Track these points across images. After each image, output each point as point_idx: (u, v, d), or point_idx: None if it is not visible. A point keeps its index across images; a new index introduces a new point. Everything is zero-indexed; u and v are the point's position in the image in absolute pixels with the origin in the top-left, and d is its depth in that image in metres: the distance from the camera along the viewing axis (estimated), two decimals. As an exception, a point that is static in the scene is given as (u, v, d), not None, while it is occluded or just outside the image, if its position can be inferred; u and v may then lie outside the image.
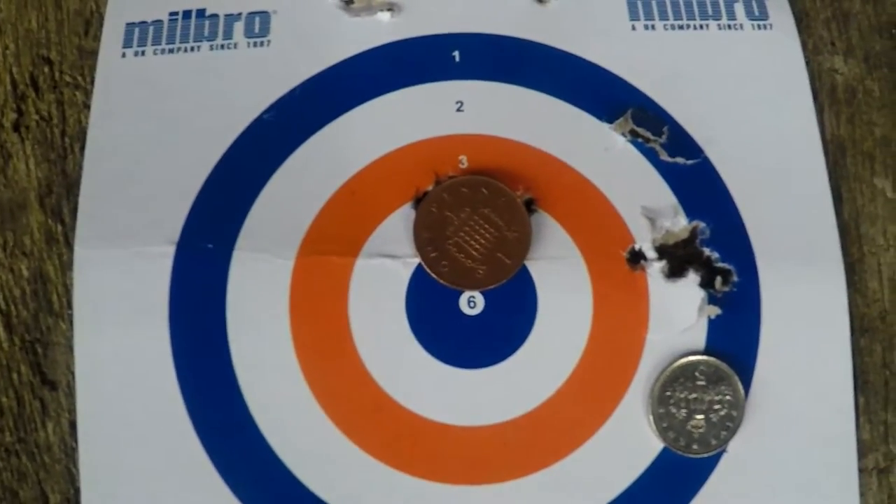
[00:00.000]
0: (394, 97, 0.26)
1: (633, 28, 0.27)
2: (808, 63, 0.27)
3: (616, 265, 0.25)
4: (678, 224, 0.25)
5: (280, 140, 0.25)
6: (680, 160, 0.26)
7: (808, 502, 0.24)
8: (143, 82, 0.26)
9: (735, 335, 0.25)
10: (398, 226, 0.25)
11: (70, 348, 0.25)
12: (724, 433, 0.24)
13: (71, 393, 0.25)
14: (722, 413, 0.24)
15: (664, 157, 0.26)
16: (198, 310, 0.24)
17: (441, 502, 0.24)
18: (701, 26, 0.27)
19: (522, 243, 0.24)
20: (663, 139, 0.26)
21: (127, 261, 0.25)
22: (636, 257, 0.25)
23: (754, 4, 0.27)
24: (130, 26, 0.27)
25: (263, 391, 0.24)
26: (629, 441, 0.24)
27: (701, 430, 0.24)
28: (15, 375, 0.25)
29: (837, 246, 0.25)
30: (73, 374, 0.25)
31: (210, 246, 0.25)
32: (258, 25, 0.26)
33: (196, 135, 0.25)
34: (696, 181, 0.25)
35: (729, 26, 0.27)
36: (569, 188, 0.25)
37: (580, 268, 0.25)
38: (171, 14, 0.27)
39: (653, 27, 0.27)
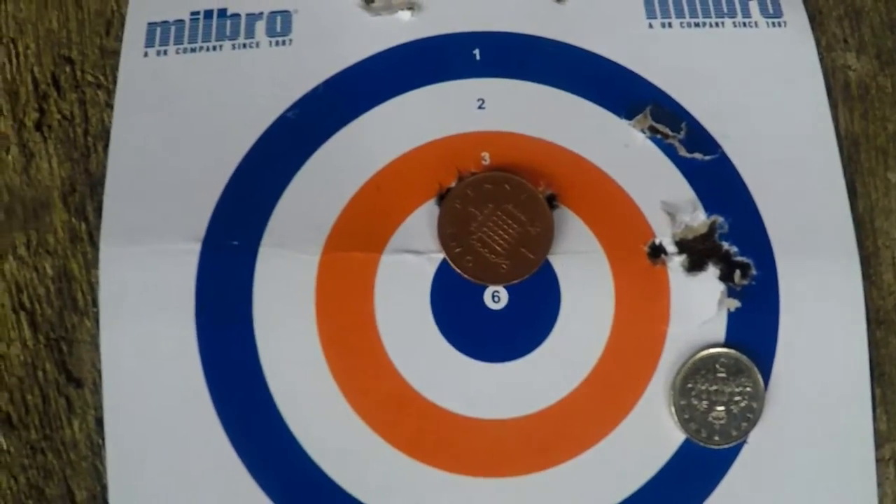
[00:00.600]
0: (416, 95, 0.26)
1: (650, 26, 0.27)
2: (821, 60, 0.28)
3: (637, 259, 0.25)
4: (697, 219, 0.26)
5: (303, 138, 0.26)
6: (698, 156, 0.26)
7: (826, 492, 0.25)
8: (166, 81, 0.27)
9: (754, 328, 0.25)
10: (422, 222, 0.25)
11: (95, 346, 0.26)
12: (744, 424, 0.25)
13: (96, 390, 0.25)
14: (742, 404, 0.25)
15: (682, 152, 0.26)
16: (224, 306, 0.25)
17: (465, 494, 0.24)
18: (716, 24, 0.27)
19: (545, 238, 0.25)
20: (681, 135, 0.26)
21: (152, 258, 0.25)
22: (657, 251, 0.26)
23: (769, 2, 0.28)
24: (152, 26, 0.27)
25: (290, 386, 0.25)
26: (652, 432, 0.25)
27: (722, 422, 0.25)
28: (40, 373, 0.26)
29: (853, 239, 0.26)
30: (98, 371, 0.25)
31: (235, 243, 0.25)
32: (280, 24, 0.27)
33: (220, 133, 0.26)
34: (713, 176, 0.26)
35: (744, 24, 0.27)
36: (590, 184, 0.26)
37: (602, 262, 0.25)
38: (193, 14, 0.27)
39: (669, 25, 0.27)
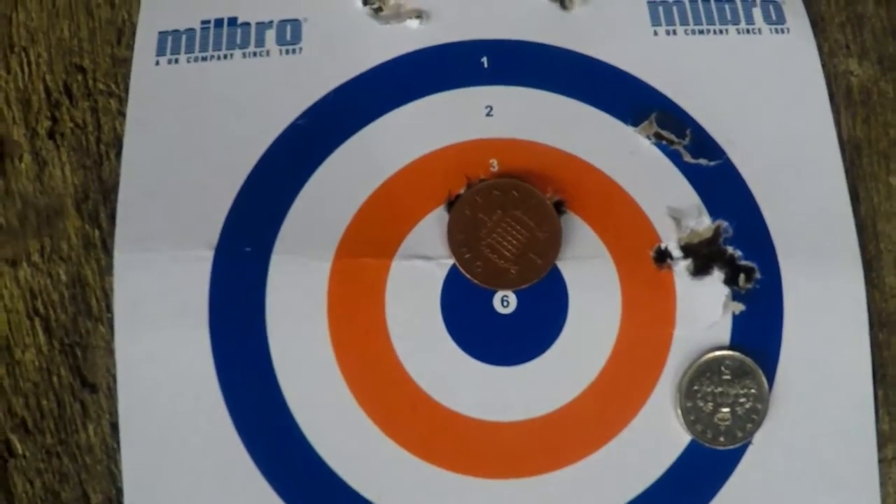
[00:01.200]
0: (424, 103, 0.27)
1: (655, 33, 0.28)
2: (824, 66, 0.29)
3: (643, 264, 0.26)
4: (702, 224, 0.27)
5: (314, 145, 0.27)
6: (703, 161, 0.27)
7: (829, 492, 0.26)
8: (177, 89, 0.27)
9: (759, 330, 0.26)
10: (432, 228, 0.26)
11: (110, 351, 0.26)
12: (749, 425, 0.26)
13: (111, 395, 0.26)
14: (747, 406, 0.26)
15: (687, 158, 0.27)
16: (237, 312, 0.25)
17: (475, 496, 0.25)
18: (721, 31, 0.28)
19: (553, 244, 0.26)
20: (686, 141, 0.27)
21: (166, 265, 0.26)
22: (662, 256, 0.26)
23: (772, 10, 0.28)
24: (163, 34, 0.28)
25: (303, 390, 0.25)
26: (658, 434, 0.25)
27: (727, 423, 0.26)
28: (55, 378, 0.27)
29: (856, 243, 0.27)
30: (113, 376, 0.26)
31: (248, 249, 0.26)
32: (290, 33, 0.28)
33: (231, 141, 0.27)
34: (718, 182, 0.27)
35: (748, 31, 0.28)
36: (596, 190, 0.26)
37: (609, 267, 0.26)
38: (203, 22, 0.28)
39: (674, 32, 0.28)
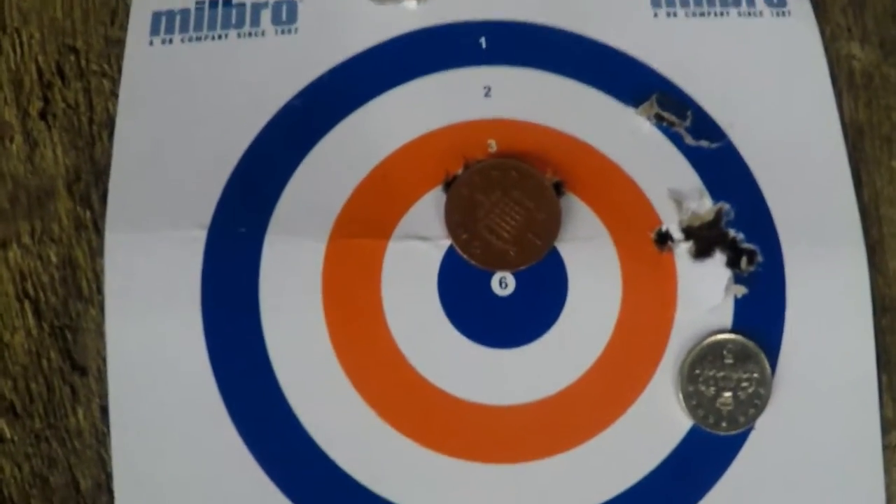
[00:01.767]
0: (422, 83, 0.27)
1: (656, 15, 0.28)
2: (826, 49, 0.28)
3: (644, 246, 0.26)
4: (704, 206, 0.26)
5: (309, 125, 0.26)
6: (704, 143, 0.27)
7: (833, 478, 0.25)
8: (171, 70, 0.27)
9: (761, 314, 0.26)
10: (429, 209, 0.26)
11: (100, 334, 0.26)
12: (751, 410, 0.25)
13: (101, 378, 0.26)
14: (749, 391, 0.25)
15: (688, 140, 0.27)
16: (230, 293, 0.25)
17: (473, 480, 0.25)
18: (721, 13, 0.28)
19: (552, 225, 0.25)
20: (687, 123, 0.27)
21: (158, 245, 0.26)
22: (663, 238, 0.26)
23: (773, -9, 0.28)
24: (157, 15, 0.28)
25: (297, 373, 0.25)
26: (659, 419, 0.25)
27: (729, 408, 0.25)
28: (45, 362, 0.26)
29: (859, 227, 0.27)
30: (103, 359, 0.26)
31: (242, 230, 0.26)
32: (285, 13, 0.28)
33: (226, 121, 0.26)
34: (720, 164, 0.27)
35: (749, 13, 0.28)
36: (596, 171, 0.26)
37: (609, 249, 0.26)
38: (198, 2, 0.28)
39: (675, 14, 0.28)
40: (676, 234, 0.26)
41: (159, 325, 0.25)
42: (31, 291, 0.27)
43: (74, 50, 0.28)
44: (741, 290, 0.26)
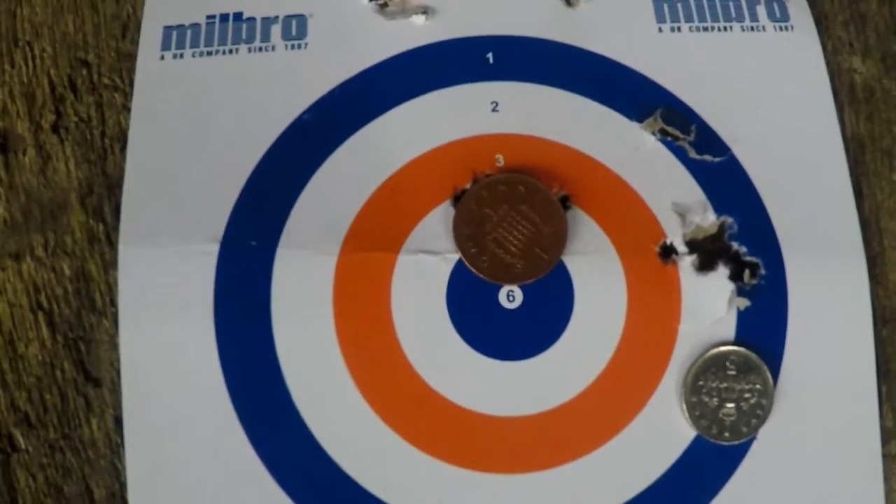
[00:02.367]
0: (430, 98, 0.27)
1: (660, 30, 0.29)
2: (827, 63, 0.29)
3: (648, 259, 0.27)
4: (707, 219, 0.27)
5: (320, 140, 0.27)
6: (707, 158, 0.27)
7: (833, 487, 0.26)
8: (183, 84, 0.28)
9: (763, 326, 0.26)
10: (438, 222, 0.26)
11: (114, 345, 0.27)
12: (754, 421, 0.26)
13: (115, 389, 0.26)
14: (752, 401, 0.26)
15: (692, 154, 0.27)
16: (242, 306, 0.26)
17: (481, 490, 0.26)
18: (725, 28, 0.29)
19: (559, 239, 0.26)
20: (691, 137, 0.28)
21: (171, 259, 0.26)
22: (667, 252, 0.27)
23: (776, 7, 0.29)
24: (168, 29, 0.28)
25: (308, 385, 0.26)
26: (663, 429, 0.26)
27: (732, 418, 0.26)
28: (58, 373, 0.27)
29: (860, 240, 0.27)
30: (116, 370, 0.26)
31: (254, 243, 0.26)
32: (295, 28, 0.28)
33: (237, 135, 0.27)
34: (723, 178, 0.27)
35: (752, 28, 0.29)
36: (602, 185, 0.27)
37: (614, 262, 0.26)
38: (209, 17, 0.28)
39: (679, 29, 0.29)
40: (680, 247, 0.27)
41: (172, 337, 0.26)
42: (45, 303, 0.27)
43: (86, 63, 0.29)
44: (744, 303, 0.27)
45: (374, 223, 0.26)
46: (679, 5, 0.29)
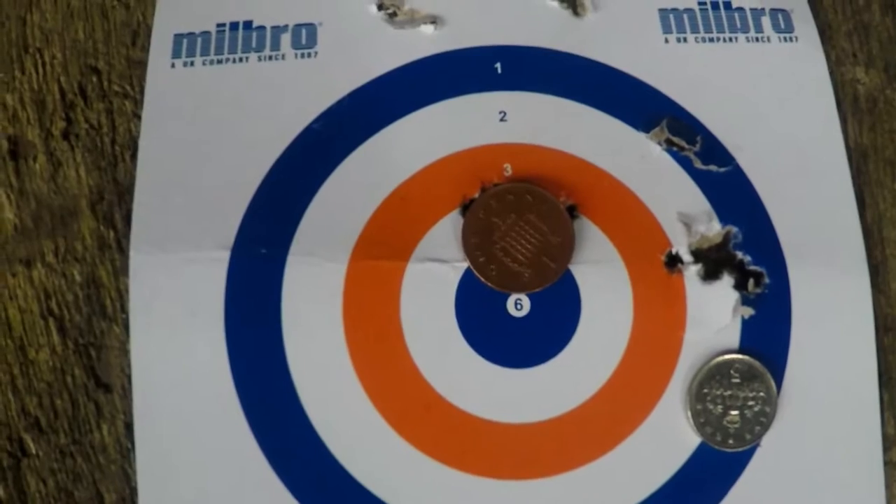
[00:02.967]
0: (439, 107, 0.28)
1: (666, 41, 0.29)
2: (831, 74, 0.30)
3: (654, 268, 0.27)
4: (712, 229, 0.28)
5: (329, 149, 0.27)
6: (713, 167, 0.28)
7: (835, 493, 0.27)
8: (193, 92, 0.28)
9: (767, 334, 0.27)
10: (447, 231, 0.27)
11: (124, 351, 0.27)
12: (757, 428, 0.27)
13: (125, 395, 0.27)
14: (756, 409, 0.27)
15: (698, 164, 0.28)
16: (253, 313, 0.26)
17: (488, 496, 0.26)
18: (730, 39, 0.29)
19: (566, 248, 0.27)
20: (697, 148, 0.28)
21: (182, 266, 0.27)
22: (673, 261, 0.27)
23: (780, 18, 0.30)
24: (179, 37, 0.29)
25: (318, 391, 0.26)
26: (668, 436, 0.26)
27: (736, 426, 0.27)
28: (69, 378, 0.27)
29: (862, 249, 0.28)
30: (127, 376, 0.27)
31: (264, 251, 0.27)
32: (305, 37, 0.29)
33: (247, 143, 0.28)
34: (728, 188, 0.28)
35: (757, 39, 0.29)
36: (609, 195, 0.27)
37: (621, 271, 0.27)
38: (219, 25, 0.29)
39: (684, 40, 0.29)
40: (686, 256, 0.27)
41: (183, 344, 0.26)
42: (56, 309, 0.28)
43: (96, 70, 0.29)
44: (748, 312, 0.27)
45: (383, 231, 0.27)
46: (685, 16, 0.29)
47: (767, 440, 0.27)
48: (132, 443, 0.26)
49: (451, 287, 0.27)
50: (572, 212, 0.27)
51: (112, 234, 0.28)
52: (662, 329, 0.27)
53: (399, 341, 0.26)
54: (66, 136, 0.29)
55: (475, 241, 0.27)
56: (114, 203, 0.28)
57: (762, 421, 0.27)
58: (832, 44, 0.30)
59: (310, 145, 0.28)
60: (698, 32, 0.29)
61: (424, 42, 0.29)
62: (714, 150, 0.28)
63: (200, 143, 0.28)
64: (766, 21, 0.30)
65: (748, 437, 0.27)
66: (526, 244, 0.27)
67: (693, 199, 0.28)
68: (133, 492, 0.26)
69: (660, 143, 0.28)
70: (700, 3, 0.29)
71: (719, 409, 0.27)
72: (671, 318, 0.27)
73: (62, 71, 0.29)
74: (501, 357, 0.26)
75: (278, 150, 0.27)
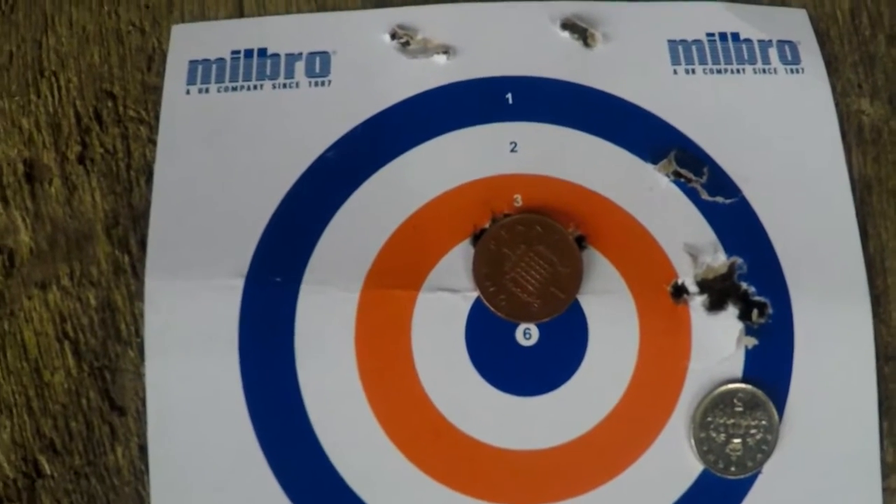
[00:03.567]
0: (451, 137, 0.28)
1: (675, 72, 0.30)
2: (836, 105, 0.30)
3: (661, 299, 0.28)
4: (718, 260, 0.28)
5: (343, 177, 0.28)
6: (719, 199, 0.29)
7: (835, 520, 0.28)
8: (208, 118, 0.29)
9: (770, 364, 0.28)
10: (457, 261, 0.28)
11: (138, 375, 0.28)
12: (759, 456, 0.27)
13: (140, 418, 0.28)
14: (758, 437, 0.27)
15: (705, 196, 0.29)
16: (267, 340, 0.27)
17: (496, 521, 0.27)
18: (738, 70, 0.30)
19: (575, 278, 0.27)
20: (704, 179, 0.29)
21: (197, 293, 0.27)
22: (679, 291, 0.28)
23: (787, 50, 0.30)
24: (194, 64, 0.29)
25: (330, 418, 0.27)
26: (672, 463, 0.27)
27: (738, 453, 0.27)
28: (84, 401, 0.28)
29: (864, 279, 0.29)
30: (141, 399, 0.28)
31: (278, 279, 0.27)
32: (319, 65, 0.29)
33: (261, 171, 0.28)
34: (734, 219, 0.29)
35: (764, 70, 0.30)
36: (617, 226, 0.28)
37: (628, 301, 0.28)
38: (234, 52, 0.29)
39: (693, 71, 0.30)
40: (692, 287, 0.28)
41: (197, 370, 0.27)
42: (71, 332, 0.28)
43: (112, 95, 0.30)
44: (752, 342, 0.28)
45: (395, 261, 0.27)
46: (693, 48, 0.30)
47: (769, 467, 0.27)
48: (146, 465, 0.27)
49: (461, 316, 0.27)
50: (581, 242, 0.28)
51: (127, 258, 0.29)
52: (668, 359, 0.28)
53: (410, 369, 0.27)
54: (81, 160, 0.29)
55: (485, 272, 0.27)
56: (129, 228, 0.29)
57: (764, 449, 0.27)
58: (838, 75, 0.31)
59: (323, 174, 0.28)
60: (706, 64, 0.30)
61: (437, 72, 0.29)
62: (721, 181, 0.29)
63: (215, 170, 0.28)
64: (773, 52, 0.30)
65: (750, 464, 0.27)
66: (535, 275, 0.27)
67: (699, 230, 0.28)
68: (147, 513, 0.27)
69: (667, 175, 0.29)
70: (708, 35, 0.30)
71: (722, 437, 0.27)
72: (676, 348, 0.28)
73: (78, 95, 0.30)
74: (510, 385, 0.27)
75: (292, 178, 0.28)
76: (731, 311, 0.28)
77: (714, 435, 0.27)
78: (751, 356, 0.28)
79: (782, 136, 0.30)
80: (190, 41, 0.29)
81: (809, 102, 0.30)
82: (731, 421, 0.27)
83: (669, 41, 0.30)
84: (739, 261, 0.28)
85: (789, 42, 0.30)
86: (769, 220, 0.29)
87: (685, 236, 0.28)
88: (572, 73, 0.29)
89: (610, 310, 0.28)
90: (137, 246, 0.29)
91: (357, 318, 0.27)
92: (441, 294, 0.27)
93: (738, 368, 0.28)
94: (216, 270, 0.27)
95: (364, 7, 0.30)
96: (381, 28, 0.30)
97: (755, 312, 0.28)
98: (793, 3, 0.31)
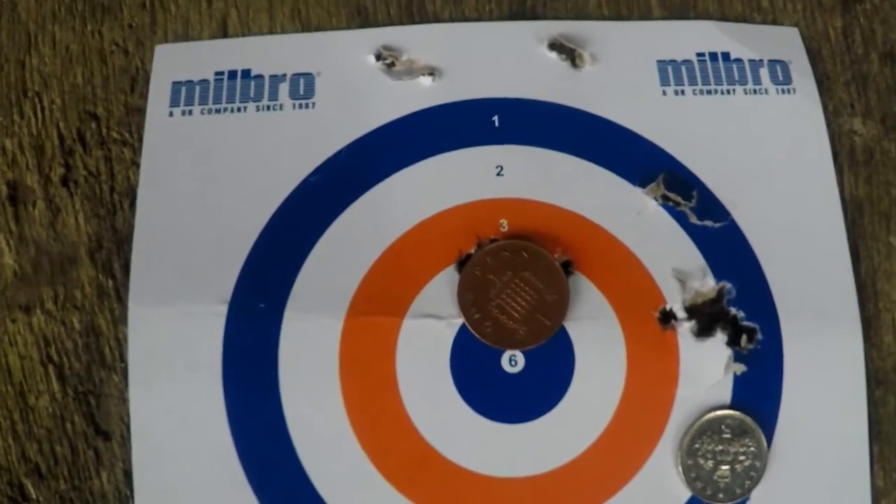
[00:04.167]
0: (436, 161, 0.28)
1: (664, 93, 0.29)
2: (828, 125, 0.30)
3: (648, 325, 0.28)
4: (706, 285, 0.28)
5: (327, 202, 0.28)
6: (708, 223, 0.28)
7: (824, 546, 0.27)
8: (192, 141, 0.29)
9: (759, 390, 0.28)
10: (442, 287, 0.27)
11: (123, 400, 0.28)
12: (747, 482, 0.27)
13: (124, 443, 0.28)
14: (746, 464, 0.27)
15: (693, 220, 0.28)
16: (250, 367, 0.27)
17: (481, 548, 0.27)
18: (728, 91, 0.30)
19: (561, 305, 0.27)
20: (693, 203, 0.29)
21: (180, 319, 0.27)
22: (667, 317, 0.28)
23: (779, 70, 0.30)
24: (177, 85, 0.29)
25: (314, 445, 0.27)
26: (660, 490, 0.27)
27: (726, 480, 0.27)
28: (69, 425, 0.28)
29: (855, 303, 0.28)
30: (126, 424, 0.28)
31: (262, 305, 0.27)
32: (303, 87, 0.29)
33: (245, 195, 0.28)
34: (723, 243, 0.28)
35: (755, 91, 0.30)
36: (604, 250, 0.28)
37: (615, 328, 0.28)
38: (217, 74, 0.29)
39: (682, 92, 0.29)
40: (680, 313, 0.28)
41: (182, 396, 0.27)
42: (55, 357, 0.28)
43: (95, 116, 0.30)
44: (740, 368, 0.28)
45: (379, 288, 0.27)
46: (683, 68, 0.30)
47: (757, 494, 0.27)
48: (131, 490, 0.27)
49: (446, 343, 0.27)
50: (567, 268, 0.28)
51: (111, 283, 0.29)
52: (655, 385, 0.27)
53: (395, 396, 0.27)
54: (65, 182, 0.29)
55: (471, 298, 0.27)
56: (112, 252, 0.29)
57: (752, 475, 0.27)
58: (830, 94, 0.31)
59: (307, 198, 0.28)
60: (696, 84, 0.30)
61: (422, 93, 0.29)
62: (710, 205, 0.29)
63: (198, 194, 0.28)
64: (764, 73, 0.30)
65: (738, 491, 0.27)
66: (521, 301, 0.27)
67: (688, 254, 0.28)
68: (132, 538, 0.27)
69: (656, 199, 0.29)
70: (698, 55, 0.30)
71: (710, 463, 0.27)
72: (664, 375, 0.27)
73: (61, 116, 0.30)
74: (496, 412, 0.27)
75: (276, 202, 0.28)
76: (720, 338, 0.28)
77: (702, 462, 0.27)
78: (739, 382, 0.28)
79: (773, 158, 0.29)
80: (173, 61, 0.29)
81: (801, 124, 0.30)
82: (720, 447, 0.27)
83: (659, 61, 0.30)
84: (728, 286, 0.28)
85: (781, 62, 0.30)
86: (759, 243, 0.29)
87: (673, 261, 0.28)
88: (560, 95, 0.29)
89: (597, 336, 0.27)
90: (121, 270, 0.28)
91: (341, 345, 0.27)
92: (426, 321, 0.27)
93: (726, 395, 0.28)
94: (200, 297, 0.27)
95: (349, 26, 0.30)
96: (366, 49, 0.29)
97: (744, 338, 0.28)
98: (784, 22, 0.31)
